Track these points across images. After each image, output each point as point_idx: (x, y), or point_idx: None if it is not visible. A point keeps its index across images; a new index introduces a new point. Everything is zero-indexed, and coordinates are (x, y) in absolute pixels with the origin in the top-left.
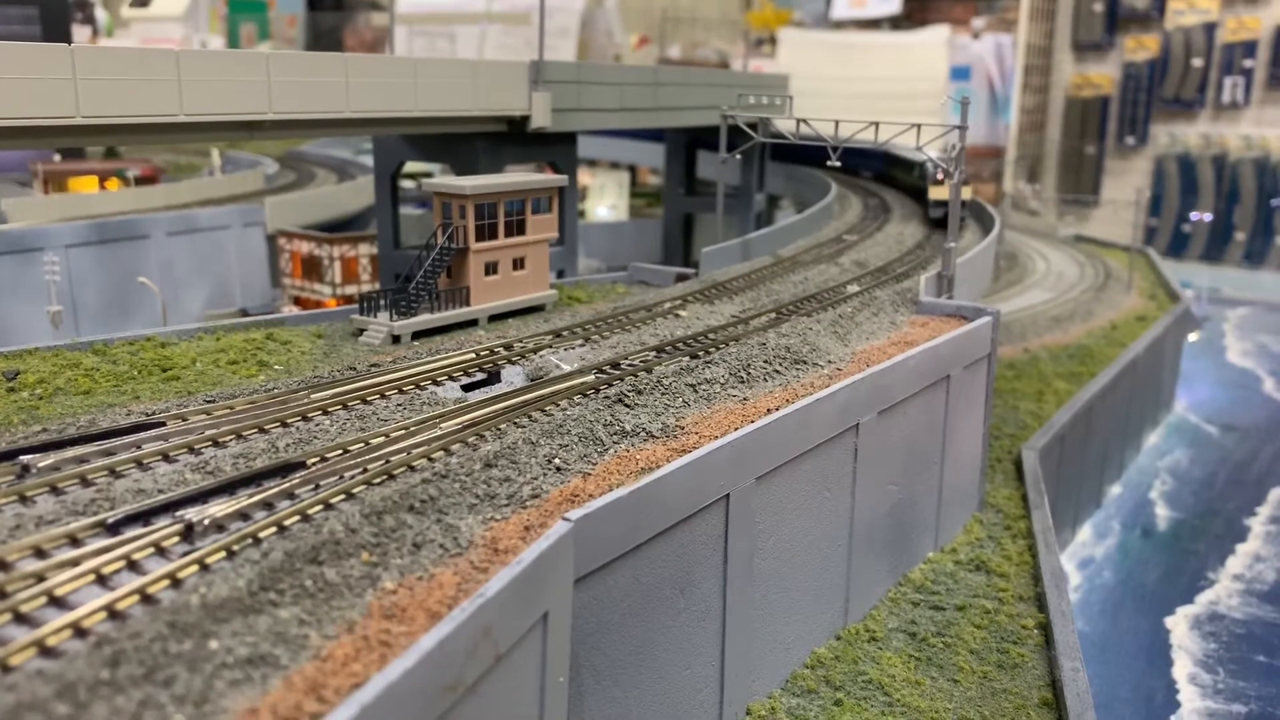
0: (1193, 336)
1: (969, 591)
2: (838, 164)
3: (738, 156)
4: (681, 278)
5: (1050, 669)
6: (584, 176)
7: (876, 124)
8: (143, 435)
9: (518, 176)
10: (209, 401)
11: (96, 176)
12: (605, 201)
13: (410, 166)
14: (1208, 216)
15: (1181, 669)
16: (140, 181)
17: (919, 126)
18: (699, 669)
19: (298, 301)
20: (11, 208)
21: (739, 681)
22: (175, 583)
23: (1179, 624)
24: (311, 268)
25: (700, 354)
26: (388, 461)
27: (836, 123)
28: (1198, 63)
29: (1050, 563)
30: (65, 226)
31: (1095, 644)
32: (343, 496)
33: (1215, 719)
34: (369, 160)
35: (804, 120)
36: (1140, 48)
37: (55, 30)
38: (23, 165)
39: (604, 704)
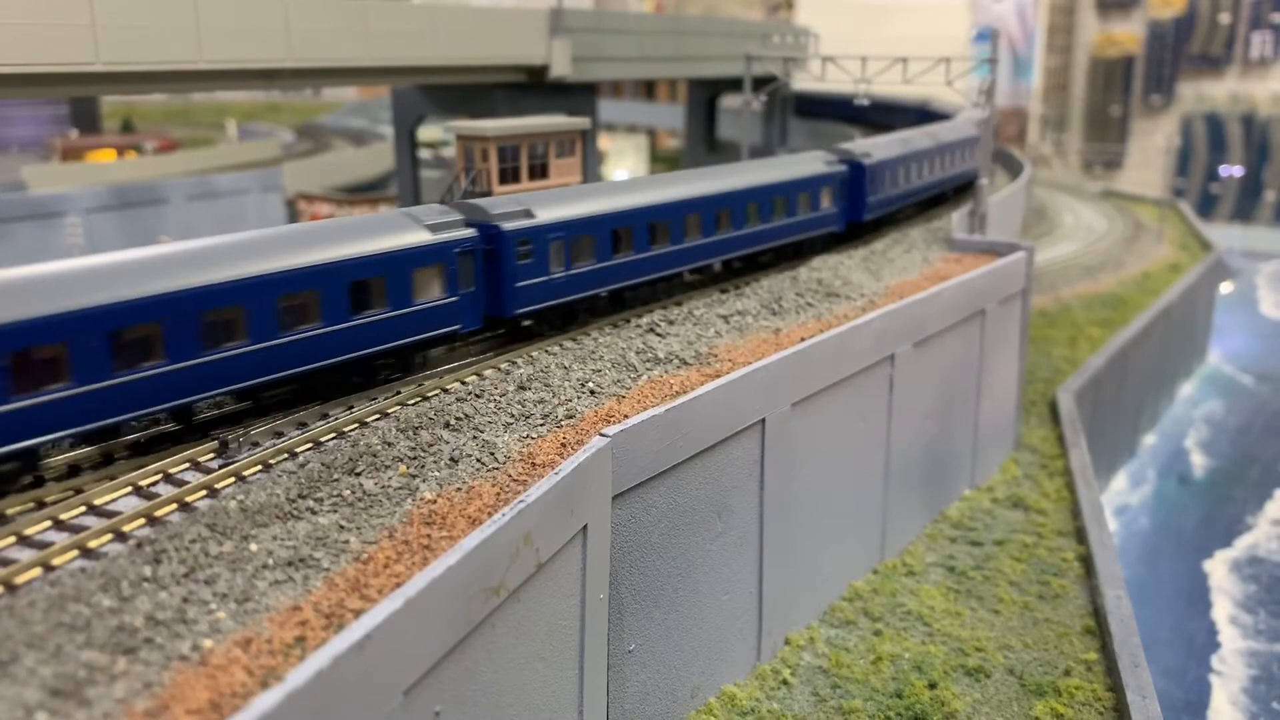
0: (1226, 287)
1: (1007, 527)
2: (865, 103)
3: (763, 98)
4: None
5: (1092, 598)
6: (602, 141)
7: (905, 60)
8: None
9: (541, 119)
10: None
11: (114, 149)
12: (624, 165)
13: (425, 135)
14: (1238, 170)
15: (1221, 611)
16: (157, 154)
17: (948, 61)
18: (738, 595)
19: None
20: (32, 174)
21: (777, 610)
22: (213, 493)
23: (1218, 568)
24: None
25: (730, 288)
26: (421, 385)
27: (864, 60)
28: (1225, 18)
29: (1089, 497)
30: (86, 191)
31: (1134, 587)
32: (377, 415)
33: (1257, 659)
34: (387, 130)
35: (830, 59)
36: (1166, 4)
37: None
38: (39, 141)
39: (644, 624)
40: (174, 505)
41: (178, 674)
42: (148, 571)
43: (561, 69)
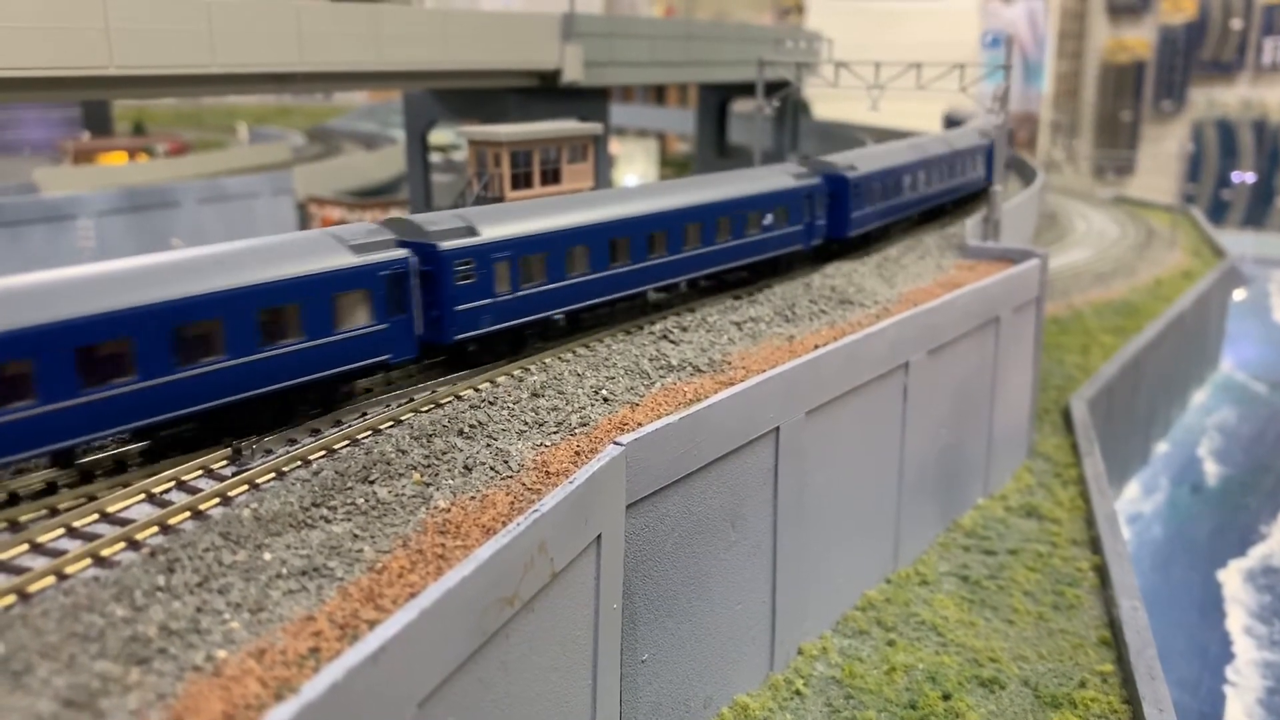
0: (1239, 294)
1: (1021, 536)
2: (877, 109)
3: (775, 103)
4: None
5: (1107, 609)
6: (612, 145)
7: (919, 65)
8: None
9: (553, 124)
10: None
11: (126, 152)
12: (634, 170)
13: (436, 139)
14: (1250, 176)
15: (1236, 621)
16: (168, 157)
17: (962, 67)
18: (751, 605)
19: None
20: (44, 177)
21: (790, 620)
22: (226, 500)
23: (1231, 577)
24: None
25: (743, 295)
26: (434, 391)
27: (877, 65)
28: (1237, 24)
29: (1104, 507)
30: (98, 194)
31: (1147, 597)
32: (391, 423)
33: (1272, 670)
34: (398, 134)
35: (843, 64)
36: (1177, 10)
37: None
38: (51, 144)
39: (657, 634)
40: (187, 513)
41: (191, 685)
42: (161, 580)
43: (574, 74)
